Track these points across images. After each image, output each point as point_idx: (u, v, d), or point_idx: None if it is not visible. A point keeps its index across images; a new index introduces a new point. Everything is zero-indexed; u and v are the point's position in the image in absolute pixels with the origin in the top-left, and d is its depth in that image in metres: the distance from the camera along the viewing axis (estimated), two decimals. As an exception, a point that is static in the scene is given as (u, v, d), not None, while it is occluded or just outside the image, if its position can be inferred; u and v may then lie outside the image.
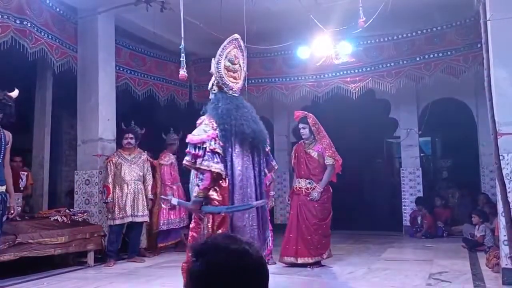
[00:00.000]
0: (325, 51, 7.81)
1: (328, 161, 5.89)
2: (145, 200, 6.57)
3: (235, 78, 4.08)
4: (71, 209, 6.62)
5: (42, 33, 6.25)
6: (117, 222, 6.36)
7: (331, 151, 5.93)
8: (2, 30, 5.60)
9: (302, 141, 6.16)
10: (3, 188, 4.53)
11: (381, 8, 5.70)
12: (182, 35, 4.82)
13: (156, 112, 8.82)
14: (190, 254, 1.20)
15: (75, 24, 7.08)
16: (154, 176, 7.10)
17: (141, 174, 6.61)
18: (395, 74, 7.97)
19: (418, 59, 7.84)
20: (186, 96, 9.31)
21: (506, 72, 4.71)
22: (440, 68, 7.70)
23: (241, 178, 3.86)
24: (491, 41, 4.73)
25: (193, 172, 3.98)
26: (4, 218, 4.61)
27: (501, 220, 4.62)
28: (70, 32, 6.98)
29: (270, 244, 4.37)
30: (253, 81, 8.55)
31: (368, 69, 8.12)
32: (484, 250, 6.30)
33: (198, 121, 3.89)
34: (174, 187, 7.22)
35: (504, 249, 4.61)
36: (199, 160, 3.69)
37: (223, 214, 3.75)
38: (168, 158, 7.25)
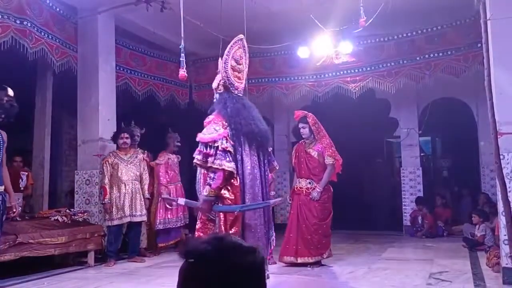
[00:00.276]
0: (325, 50, 7.80)
1: (328, 160, 5.89)
2: (142, 199, 6.54)
3: (239, 78, 4.11)
4: (72, 209, 6.62)
5: (42, 33, 6.25)
6: (116, 222, 6.34)
7: (331, 150, 5.93)
8: (2, 30, 5.60)
9: (302, 140, 6.16)
10: (1, 188, 4.52)
11: (381, 8, 5.69)
12: (182, 35, 4.82)
13: (156, 112, 8.82)
14: (179, 254, 1.20)
15: (75, 24, 7.08)
16: (152, 176, 7.11)
17: (138, 173, 6.59)
18: (395, 73, 7.97)
19: (418, 58, 7.83)
20: (186, 96, 9.31)
21: (506, 71, 4.71)
22: (440, 68, 7.70)
23: (251, 177, 3.89)
24: (491, 41, 4.73)
25: (199, 171, 3.99)
26: (4, 218, 4.61)
27: (502, 220, 4.62)
28: (70, 32, 6.98)
29: (274, 244, 4.38)
30: (253, 81, 8.55)
31: (368, 68, 8.12)
32: (484, 250, 6.30)
33: (206, 120, 3.89)
34: (171, 186, 7.16)
35: (505, 249, 4.61)
36: (210, 159, 3.69)
37: (236, 213, 3.76)
38: (163, 158, 7.21)
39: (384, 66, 8.04)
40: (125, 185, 6.44)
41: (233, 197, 3.77)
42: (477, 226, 7.03)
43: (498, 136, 4.59)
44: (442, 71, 7.71)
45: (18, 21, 5.79)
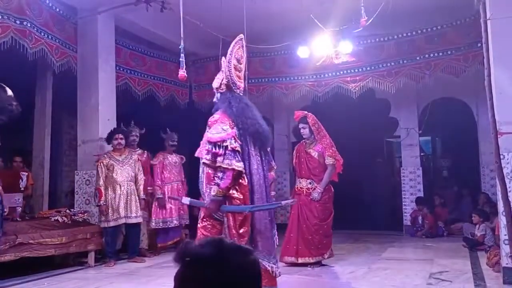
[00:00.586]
0: (325, 50, 7.80)
1: (329, 161, 5.89)
2: (137, 201, 6.51)
3: (239, 77, 4.12)
4: (72, 209, 6.62)
5: (42, 33, 6.25)
6: (111, 224, 6.29)
7: (331, 150, 5.92)
8: (2, 30, 5.60)
9: (303, 140, 6.16)
10: None
11: (381, 8, 5.69)
12: (182, 35, 4.81)
13: (156, 112, 8.82)
14: (175, 258, 1.20)
15: (75, 24, 7.08)
16: (152, 176, 7.11)
17: (133, 174, 6.54)
18: (395, 73, 7.97)
19: (418, 58, 7.83)
20: (186, 96, 9.31)
21: (506, 71, 4.71)
22: (440, 68, 7.70)
23: (258, 177, 3.89)
24: (491, 40, 4.73)
25: (201, 170, 3.97)
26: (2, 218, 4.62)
27: (502, 219, 4.62)
28: (70, 32, 6.98)
29: (277, 242, 4.37)
30: (253, 81, 8.54)
31: (368, 68, 8.12)
32: (484, 250, 6.30)
33: (212, 119, 3.88)
34: (167, 186, 7.12)
35: (505, 248, 4.61)
36: (219, 159, 3.68)
37: (246, 213, 3.75)
38: (157, 158, 7.20)
39: (384, 66, 8.03)
40: (120, 186, 6.39)
41: (241, 197, 3.77)
42: (477, 226, 7.03)
43: (498, 136, 4.59)
44: (442, 71, 7.71)
45: (18, 22, 5.79)
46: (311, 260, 5.81)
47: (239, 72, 4.10)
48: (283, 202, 4.10)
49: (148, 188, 7.04)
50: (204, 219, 3.88)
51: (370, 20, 5.47)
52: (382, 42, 8.08)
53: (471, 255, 6.48)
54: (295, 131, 6.41)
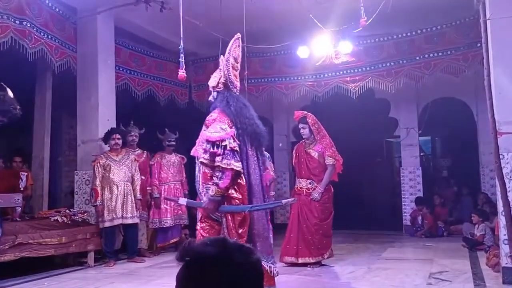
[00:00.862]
0: (324, 50, 7.81)
1: (329, 161, 5.89)
2: (134, 201, 6.48)
3: (236, 76, 4.09)
4: (71, 209, 6.61)
5: (42, 33, 6.25)
6: (107, 224, 6.26)
7: (331, 150, 5.92)
8: (2, 30, 5.59)
9: (303, 140, 6.16)
10: None
11: (381, 7, 5.69)
12: (182, 35, 4.80)
13: (156, 112, 8.82)
14: (178, 257, 1.20)
15: (74, 24, 7.07)
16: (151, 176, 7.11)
17: (129, 174, 6.52)
18: (395, 73, 7.97)
19: (418, 58, 7.84)
20: (186, 96, 9.31)
21: (506, 71, 4.71)
22: (440, 68, 7.70)
23: (255, 177, 3.89)
24: (491, 40, 4.73)
25: (197, 170, 3.94)
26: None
27: (501, 219, 4.62)
28: (69, 32, 6.97)
29: (272, 242, 4.37)
30: (252, 81, 8.54)
31: (368, 68, 8.12)
32: (484, 249, 6.30)
33: (210, 118, 3.84)
34: (163, 186, 7.10)
35: (504, 248, 4.61)
36: (218, 158, 3.64)
37: (245, 213, 3.73)
38: (154, 158, 7.20)
39: (384, 66, 8.03)
40: (117, 186, 6.37)
41: (240, 197, 3.75)
42: (476, 226, 7.04)
43: (498, 136, 4.59)
44: (442, 70, 7.71)
45: (17, 21, 5.78)
46: (311, 260, 5.81)
47: (236, 71, 4.08)
48: (284, 201, 4.07)
49: (148, 188, 7.04)
50: (202, 221, 3.84)
51: (370, 20, 5.46)
52: (381, 42, 8.08)
53: (470, 255, 6.48)
54: (294, 131, 6.42)
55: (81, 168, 7.05)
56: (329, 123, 6.58)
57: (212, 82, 4.09)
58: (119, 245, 6.76)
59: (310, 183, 5.95)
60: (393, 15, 6.35)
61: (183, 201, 5.05)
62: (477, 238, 6.93)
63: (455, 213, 9.30)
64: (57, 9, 6.68)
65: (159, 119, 8.24)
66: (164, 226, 6.98)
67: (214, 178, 3.69)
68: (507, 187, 4.53)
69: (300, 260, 5.81)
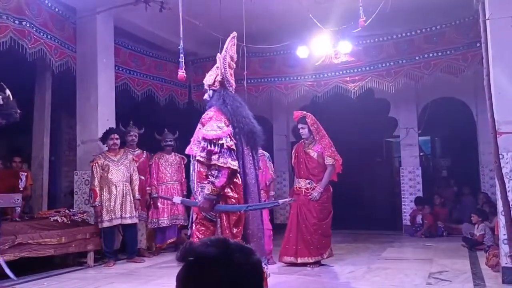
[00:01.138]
0: (324, 50, 7.81)
1: (328, 161, 5.89)
2: (133, 201, 6.48)
3: (232, 75, 4.06)
4: (71, 210, 6.61)
5: (41, 33, 6.24)
6: (106, 224, 6.26)
7: (330, 150, 5.92)
8: (1, 30, 5.60)
9: (302, 140, 6.16)
10: None
11: (380, 7, 5.69)
12: (181, 36, 4.80)
13: (155, 112, 8.82)
14: (177, 256, 1.19)
15: (74, 24, 7.07)
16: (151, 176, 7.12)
17: (128, 175, 6.51)
18: (394, 73, 7.97)
19: (417, 58, 7.83)
20: (185, 96, 9.31)
21: (505, 71, 4.72)
22: (439, 67, 7.70)
23: (251, 177, 3.87)
24: (491, 40, 4.74)
25: (192, 169, 3.92)
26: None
27: (501, 219, 4.62)
28: (69, 32, 6.97)
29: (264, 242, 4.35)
30: (252, 81, 8.55)
31: (368, 68, 8.12)
32: (483, 249, 6.31)
33: (206, 116, 3.81)
34: (161, 186, 7.09)
35: (504, 248, 4.61)
36: (215, 157, 3.61)
37: (239, 212, 3.71)
38: (153, 158, 7.20)
39: (383, 66, 8.03)
40: (115, 186, 6.37)
41: (236, 196, 3.72)
42: (476, 226, 7.04)
43: (497, 136, 4.59)
44: (441, 70, 7.71)
45: (17, 21, 5.78)
46: (311, 260, 5.81)
47: (232, 69, 4.05)
48: (281, 201, 4.03)
49: (147, 188, 7.04)
50: (197, 222, 3.81)
51: (369, 20, 5.47)
52: (381, 42, 8.08)
53: (470, 254, 6.48)
54: (294, 131, 6.42)
55: (81, 168, 7.05)
56: (328, 123, 6.58)
57: (208, 80, 4.04)
58: (119, 245, 6.76)
59: (309, 183, 5.95)
60: (393, 15, 6.35)
61: (177, 199, 5.04)
62: (476, 238, 6.93)
63: (455, 213, 9.30)
64: (56, 9, 6.67)
65: (158, 119, 8.24)
66: (161, 226, 6.98)
67: (210, 176, 3.65)
68: (506, 187, 4.54)
69: (299, 260, 5.81)
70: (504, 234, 4.57)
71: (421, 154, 10.55)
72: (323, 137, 6.00)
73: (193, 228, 3.87)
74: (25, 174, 6.97)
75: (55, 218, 6.04)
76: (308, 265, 5.80)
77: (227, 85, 3.96)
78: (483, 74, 4.75)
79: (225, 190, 3.69)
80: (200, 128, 3.80)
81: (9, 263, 5.20)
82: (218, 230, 3.70)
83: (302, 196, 5.93)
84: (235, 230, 3.70)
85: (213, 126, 3.69)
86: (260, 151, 5.34)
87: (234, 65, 4.10)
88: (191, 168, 3.91)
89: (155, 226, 7.02)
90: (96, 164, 6.39)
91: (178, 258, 1.18)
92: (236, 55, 4.15)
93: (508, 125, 4.62)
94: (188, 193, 6.89)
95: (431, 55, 7.76)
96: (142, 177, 6.98)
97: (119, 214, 6.33)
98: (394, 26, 7.78)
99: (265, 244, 5.40)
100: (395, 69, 7.97)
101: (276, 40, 7.58)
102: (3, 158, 7.25)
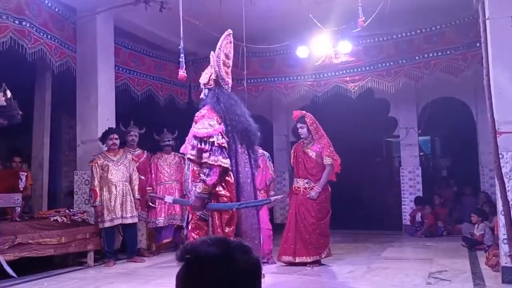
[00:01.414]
0: (324, 50, 7.82)
1: (327, 161, 5.89)
2: (132, 201, 6.48)
3: (227, 73, 4.04)
4: (71, 210, 6.61)
5: (41, 33, 6.24)
6: (107, 224, 6.26)
7: (329, 150, 5.93)
8: (1, 30, 5.59)
9: (301, 140, 6.16)
10: None
11: (380, 7, 5.69)
12: (182, 36, 4.80)
13: (156, 112, 8.82)
14: (177, 255, 1.19)
15: (74, 24, 7.07)
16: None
17: (128, 174, 6.51)
18: (394, 73, 7.97)
19: (417, 58, 7.83)
20: (185, 96, 9.30)
21: (505, 71, 4.72)
22: (439, 67, 7.70)
23: (244, 175, 3.84)
24: (490, 40, 4.74)
25: (187, 168, 3.91)
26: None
27: (501, 219, 4.62)
28: (69, 32, 6.97)
29: (262, 242, 4.31)
30: (252, 81, 8.55)
31: (367, 68, 8.12)
32: (483, 249, 6.31)
33: (199, 114, 3.80)
34: (160, 186, 7.08)
35: (504, 248, 4.61)
36: (205, 155, 3.59)
37: (232, 211, 3.68)
38: (152, 159, 7.20)
39: (383, 66, 8.03)
40: (115, 186, 6.37)
41: (228, 195, 3.69)
42: (476, 226, 7.04)
43: (497, 135, 4.59)
44: (441, 70, 7.71)
45: (17, 21, 5.78)
46: (309, 260, 5.81)
47: (228, 67, 4.02)
48: (272, 198, 3.99)
49: (148, 188, 7.04)
50: (192, 222, 3.80)
51: (369, 20, 5.47)
52: (381, 42, 8.08)
53: (470, 254, 6.49)
54: (294, 131, 6.42)
55: (81, 168, 7.05)
56: (328, 123, 6.58)
57: (203, 79, 4.04)
58: (119, 245, 6.76)
59: (307, 183, 5.96)
60: (393, 15, 6.35)
61: (169, 199, 5.03)
62: (476, 237, 6.93)
63: (455, 213, 9.30)
64: (56, 9, 6.67)
65: (158, 119, 8.24)
66: (158, 225, 6.97)
67: (201, 175, 3.63)
68: (506, 186, 4.54)
69: (298, 260, 5.82)
70: (504, 234, 4.57)
71: (421, 154, 10.56)
72: (322, 136, 6.00)
73: (189, 228, 3.85)
74: (25, 174, 6.97)
75: (55, 218, 6.04)
76: (308, 265, 5.80)
77: (222, 83, 3.94)
78: (483, 74, 4.76)
79: (217, 189, 3.66)
80: (193, 127, 3.78)
81: (9, 263, 5.21)
82: (210, 229, 3.67)
83: (300, 195, 5.94)
84: (227, 229, 3.66)
85: (204, 124, 3.67)
86: (260, 151, 5.35)
87: (230, 63, 4.07)
88: (186, 167, 3.90)
89: (153, 226, 7.01)
90: (96, 164, 6.39)
91: (178, 258, 1.18)
92: (232, 53, 4.13)
93: (508, 125, 4.62)
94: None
95: (431, 55, 7.76)
96: (143, 177, 6.98)
97: (119, 214, 6.33)
98: (394, 26, 7.78)
99: (264, 244, 5.42)
100: (395, 69, 7.97)
101: (276, 40, 7.58)
102: (3, 158, 7.26)
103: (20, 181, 6.76)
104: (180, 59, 4.80)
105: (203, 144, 3.61)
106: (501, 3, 4.79)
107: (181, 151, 4.06)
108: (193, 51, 8.45)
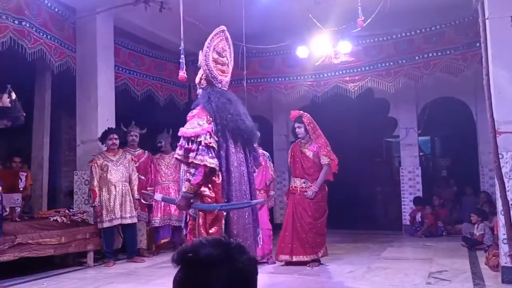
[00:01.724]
0: (324, 50, 7.81)
1: (324, 160, 5.90)
2: (132, 201, 6.47)
3: (223, 71, 3.96)
4: (71, 210, 6.61)
5: (41, 34, 6.24)
6: (106, 225, 6.25)
7: (326, 150, 5.93)
8: (1, 30, 5.59)
9: (298, 140, 6.17)
10: None
11: (380, 7, 5.70)
12: (182, 36, 4.80)
13: (155, 112, 8.82)
14: (174, 258, 1.18)
15: (73, 24, 7.07)
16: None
17: (127, 174, 6.51)
18: (394, 73, 7.97)
19: (417, 58, 7.84)
20: (185, 96, 9.30)
21: (505, 70, 4.72)
22: (439, 67, 7.70)
23: (238, 175, 3.78)
24: (490, 40, 4.74)
25: (182, 169, 3.89)
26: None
27: (501, 219, 4.62)
28: (68, 32, 6.97)
29: (261, 242, 4.27)
30: (252, 81, 8.55)
31: (367, 68, 8.12)
32: (483, 249, 6.31)
33: (190, 115, 3.77)
34: (158, 187, 7.05)
35: (504, 248, 4.62)
36: (192, 154, 3.56)
37: (216, 212, 3.64)
38: (151, 159, 7.21)
39: (383, 66, 8.04)
40: (115, 186, 6.36)
41: (213, 195, 3.64)
42: (476, 225, 7.04)
43: (497, 135, 4.60)
44: (441, 70, 7.71)
45: (16, 22, 5.78)
46: (306, 259, 5.82)
47: (222, 65, 3.94)
48: (254, 201, 3.94)
49: (148, 188, 7.03)
50: (190, 223, 3.78)
51: (369, 20, 5.47)
52: (381, 42, 8.08)
53: (470, 254, 6.49)
54: (294, 131, 6.41)
55: (81, 168, 7.05)
56: (328, 123, 6.59)
57: (196, 79, 4.02)
58: (119, 245, 6.76)
59: (304, 182, 5.97)
60: (392, 15, 6.36)
61: (158, 196, 5.02)
62: (476, 237, 6.93)
63: (455, 213, 9.30)
64: (56, 9, 6.67)
65: (158, 119, 8.24)
66: (154, 225, 6.97)
67: (187, 174, 3.61)
68: (506, 186, 4.54)
69: (295, 258, 5.84)
70: (504, 234, 4.57)
71: (421, 154, 10.56)
72: (319, 136, 6.00)
73: (187, 228, 3.85)
74: (25, 174, 6.96)
75: (55, 218, 6.04)
76: (308, 265, 5.80)
77: (214, 82, 3.88)
78: (483, 73, 4.76)
79: (202, 189, 3.62)
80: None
81: (9, 263, 5.22)
82: (195, 230, 3.65)
83: (297, 195, 5.95)
84: (211, 230, 3.62)
85: (193, 123, 3.64)
86: (260, 151, 5.33)
87: (225, 60, 3.98)
88: (181, 168, 3.89)
89: (151, 226, 7.02)
90: (95, 164, 6.39)
91: (174, 260, 1.16)
92: (227, 50, 4.06)
93: (508, 125, 4.63)
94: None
95: (430, 55, 7.76)
96: (143, 177, 6.99)
97: (119, 214, 6.32)
98: (394, 26, 7.78)
99: (264, 244, 5.42)
100: (395, 69, 7.97)
101: (276, 40, 7.58)
102: (3, 158, 7.25)
103: (20, 181, 6.75)
104: (181, 60, 4.79)
105: (190, 143, 3.58)
106: (500, 3, 4.79)
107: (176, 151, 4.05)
108: (193, 51, 8.39)
